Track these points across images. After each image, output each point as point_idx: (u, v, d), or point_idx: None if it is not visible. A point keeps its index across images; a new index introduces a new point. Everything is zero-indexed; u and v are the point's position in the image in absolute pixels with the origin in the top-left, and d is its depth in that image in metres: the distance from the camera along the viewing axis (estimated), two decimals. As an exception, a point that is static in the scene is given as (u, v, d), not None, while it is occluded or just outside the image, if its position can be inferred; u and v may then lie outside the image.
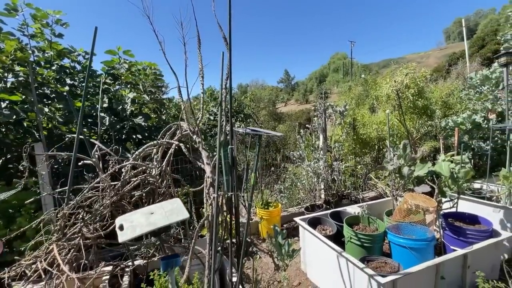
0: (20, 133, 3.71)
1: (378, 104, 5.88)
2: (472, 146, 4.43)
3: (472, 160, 4.33)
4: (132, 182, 2.08)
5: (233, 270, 2.14)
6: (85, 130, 4.38)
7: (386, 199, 3.83)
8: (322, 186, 4.77)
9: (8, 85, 3.62)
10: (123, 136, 4.53)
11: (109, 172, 2.03)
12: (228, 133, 2.05)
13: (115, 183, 2.10)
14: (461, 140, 4.42)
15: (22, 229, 2.19)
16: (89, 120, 4.52)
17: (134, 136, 4.57)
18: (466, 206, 3.34)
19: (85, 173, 2.32)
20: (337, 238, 2.99)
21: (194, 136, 2.18)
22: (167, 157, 2.35)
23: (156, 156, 2.26)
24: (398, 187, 2.98)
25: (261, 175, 5.17)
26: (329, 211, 3.41)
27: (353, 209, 3.46)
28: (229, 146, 1.95)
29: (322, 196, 4.81)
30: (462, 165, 2.88)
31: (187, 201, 2.61)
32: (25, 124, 3.71)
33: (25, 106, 3.64)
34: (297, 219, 3.20)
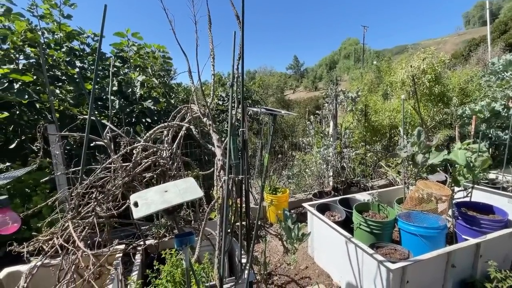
0: (33, 114, 3.76)
1: (392, 91, 5.69)
2: (490, 135, 4.27)
3: (489, 150, 4.19)
4: (143, 163, 2.09)
5: (242, 252, 2.16)
6: (96, 113, 4.41)
7: (396, 187, 3.78)
8: (331, 173, 4.73)
9: (20, 66, 3.64)
10: (133, 119, 4.55)
11: (120, 153, 2.04)
12: (239, 117, 2.02)
13: (127, 164, 2.11)
14: (478, 129, 4.26)
15: (38, 206, 2.25)
16: (99, 103, 4.55)
17: (144, 120, 4.58)
18: (480, 196, 3.26)
19: (97, 154, 2.34)
20: (346, 225, 2.98)
21: (205, 119, 2.15)
22: (177, 140, 2.34)
23: (166, 139, 2.26)
24: (411, 175, 2.92)
25: (269, 161, 5.16)
26: (338, 198, 3.39)
27: (362, 196, 3.43)
28: (241, 129, 1.92)
29: (331, 183, 4.78)
30: (480, 153, 2.78)
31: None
32: (37, 106, 3.75)
33: (37, 88, 3.67)
34: (305, 204, 3.19)
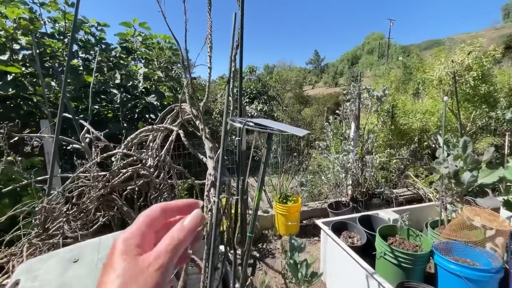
0: (30, 107, 3.56)
1: (424, 90, 5.01)
2: (546, 145, 3.57)
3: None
4: (121, 174, 1.74)
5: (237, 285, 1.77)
6: (97, 107, 4.18)
7: (428, 204, 3.22)
8: (350, 182, 4.21)
9: (20, 56, 3.42)
10: (135, 115, 4.27)
11: (94, 161, 1.70)
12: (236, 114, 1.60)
13: (103, 173, 1.77)
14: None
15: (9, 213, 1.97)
16: (102, 96, 4.31)
17: (147, 116, 4.29)
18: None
19: (75, 158, 2.04)
20: (367, 250, 2.51)
21: (197, 122, 1.76)
22: (167, 145, 1.98)
23: (152, 144, 1.90)
24: (452, 195, 2.37)
25: (282, 163, 4.72)
26: (357, 215, 2.90)
27: (387, 214, 2.91)
28: (236, 138, 1.51)
29: (349, 192, 4.27)
30: (546, 173, 2.19)
31: (192, 197, 2.26)
32: (34, 99, 3.55)
33: (34, 80, 3.45)
34: (319, 222, 2.74)
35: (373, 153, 4.32)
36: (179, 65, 4.82)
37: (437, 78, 4.28)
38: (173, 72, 4.96)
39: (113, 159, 1.80)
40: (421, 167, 3.97)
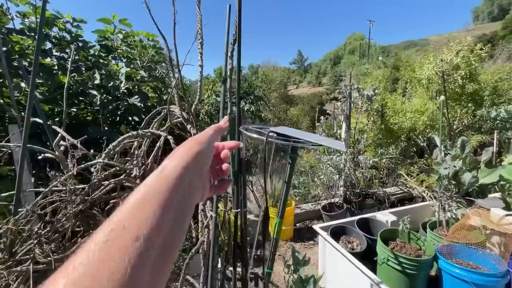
0: (-3, 111, 3.21)
1: (412, 89, 5.06)
2: (530, 142, 3.67)
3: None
4: (103, 186, 1.53)
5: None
6: (75, 109, 3.86)
7: (423, 204, 3.20)
8: (342, 183, 4.16)
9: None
10: (117, 118, 3.99)
11: (70, 172, 1.48)
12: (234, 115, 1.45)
13: (81, 186, 1.55)
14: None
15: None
16: (80, 98, 3.99)
17: (130, 118, 4.02)
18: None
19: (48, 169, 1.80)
20: (367, 255, 2.42)
21: (189, 126, 1.58)
22: (154, 152, 1.78)
23: (139, 151, 1.70)
24: (451, 196, 2.33)
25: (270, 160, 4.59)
26: (355, 218, 2.82)
27: (384, 217, 2.85)
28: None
29: (341, 193, 4.21)
30: (542, 172, 2.19)
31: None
32: (1, 101, 3.20)
33: (0, 81, 3.11)
34: (316, 228, 2.63)
35: (364, 153, 4.29)
36: (163, 64, 4.57)
37: (426, 77, 4.32)
38: (157, 71, 4.70)
39: (92, 169, 1.59)
40: (420, 170, 3.97)
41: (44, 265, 1.43)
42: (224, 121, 0.58)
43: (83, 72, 3.91)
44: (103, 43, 4.11)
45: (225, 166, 0.54)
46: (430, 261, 2.04)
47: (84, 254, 0.29)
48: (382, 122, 4.48)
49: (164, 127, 1.73)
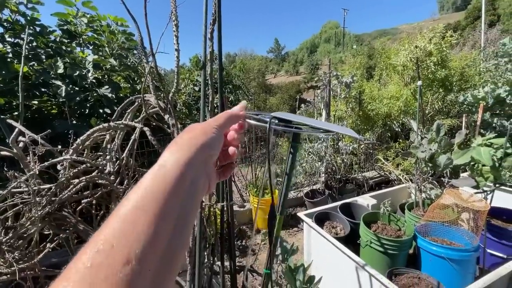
0: None
1: (387, 75, 5.20)
2: (494, 124, 3.95)
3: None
4: (72, 185, 1.39)
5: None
6: (36, 102, 3.52)
7: (400, 187, 3.34)
8: (323, 170, 4.23)
9: None
10: (87, 110, 3.70)
11: (33, 171, 1.32)
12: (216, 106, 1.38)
13: (47, 186, 1.40)
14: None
15: None
16: (43, 89, 3.64)
17: (101, 111, 3.74)
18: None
19: (5, 169, 1.60)
20: (350, 239, 2.49)
21: (166, 116, 1.46)
22: (129, 145, 1.65)
23: (112, 145, 1.55)
24: (427, 178, 2.44)
25: (253, 152, 4.57)
26: (338, 204, 2.87)
27: (365, 200, 2.94)
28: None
29: (323, 179, 4.29)
30: (507, 151, 2.34)
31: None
32: None
33: None
34: (301, 215, 2.65)
35: (344, 139, 4.38)
36: (135, 52, 4.27)
37: (401, 64, 4.45)
38: (129, 60, 4.39)
39: (59, 167, 1.43)
40: (398, 154, 4.12)
41: (8, 276, 1.29)
42: (240, 107, 0.50)
43: (44, 60, 3.54)
44: (65, 27, 3.74)
45: (231, 149, 0.48)
46: (410, 241, 2.14)
47: (62, 284, 0.23)
48: (360, 109, 4.58)
49: (139, 118, 1.59)
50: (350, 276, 2.03)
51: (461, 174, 2.49)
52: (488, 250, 2.25)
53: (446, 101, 4.76)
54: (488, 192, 2.48)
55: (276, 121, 0.50)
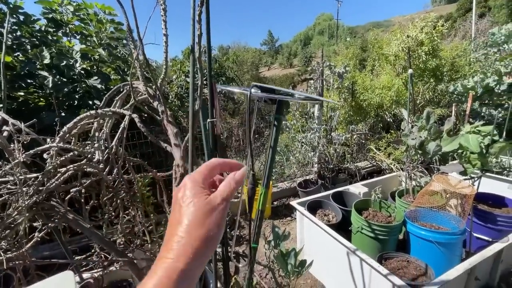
0: None
1: (380, 66, 5.22)
2: (482, 113, 4.02)
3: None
4: (59, 174, 1.36)
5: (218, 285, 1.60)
6: (22, 93, 3.43)
7: (391, 175, 3.39)
8: (316, 160, 4.26)
9: None
10: (75, 102, 3.61)
11: (17, 160, 1.28)
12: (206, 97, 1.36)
13: (33, 175, 1.37)
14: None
15: None
16: (28, 80, 3.53)
17: (91, 102, 3.67)
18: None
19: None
20: (342, 226, 2.53)
21: (156, 104, 1.44)
22: (118, 133, 1.62)
23: (100, 133, 1.53)
24: (416, 165, 2.49)
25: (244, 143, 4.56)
26: (330, 192, 2.91)
27: (357, 189, 2.98)
28: (209, 119, 1.26)
29: (316, 169, 4.33)
30: (494, 138, 2.39)
31: (154, 193, 1.95)
32: None
33: None
34: (294, 203, 2.67)
35: (336, 130, 4.40)
36: (124, 41, 4.17)
37: (393, 53, 4.46)
38: (118, 51, 4.29)
39: (46, 155, 1.40)
40: (389, 143, 4.17)
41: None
42: (240, 175, 0.46)
43: (29, 50, 3.43)
44: (50, 16, 3.62)
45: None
46: (399, 226, 2.18)
47: None
48: (352, 99, 4.60)
49: (127, 106, 1.56)
50: (342, 261, 2.07)
51: (451, 162, 2.55)
52: (474, 234, 2.32)
53: (437, 91, 4.82)
54: (475, 178, 2.54)
55: (259, 91, 0.49)
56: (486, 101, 4.05)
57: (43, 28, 3.66)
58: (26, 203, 1.35)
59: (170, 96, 5.98)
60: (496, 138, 2.60)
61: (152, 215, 1.84)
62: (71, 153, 1.39)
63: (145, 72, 1.91)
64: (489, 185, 2.91)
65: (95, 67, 3.93)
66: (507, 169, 3.01)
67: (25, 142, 1.39)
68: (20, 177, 1.37)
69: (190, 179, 0.42)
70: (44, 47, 3.40)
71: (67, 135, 1.42)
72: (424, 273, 1.81)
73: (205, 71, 1.31)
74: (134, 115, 1.43)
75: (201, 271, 0.39)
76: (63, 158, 1.37)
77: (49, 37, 3.61)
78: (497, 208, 2.44)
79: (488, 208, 2.41)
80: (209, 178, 0.45)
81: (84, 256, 1.76)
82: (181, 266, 0.35)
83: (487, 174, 2.76)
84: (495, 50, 4.04)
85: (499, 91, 3.96)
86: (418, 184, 2.89)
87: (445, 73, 4.71)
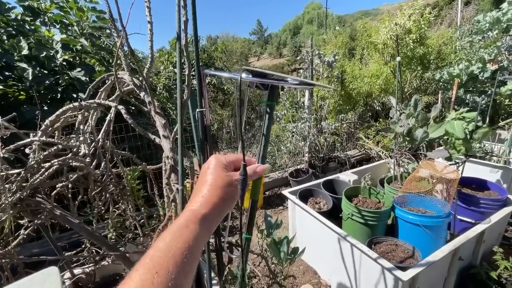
0: None
1: (368, 54, 5.24)
2: (467, 100, 4.12)
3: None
4: (43, 169, 1.32)
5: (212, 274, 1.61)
6: (0, 87, 3.27)
7: (380, 163, 3.46)
8: (307, 149, 4.29)
9: None
10: (58, 95, 3.48)
11: (-2, 156, 1.23)
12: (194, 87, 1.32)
13: (15, 171, 1.32)
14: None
15: None
16: (6, 73, 3.37)
17: (75, 95, 3.54)
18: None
19: None
20: (333, 213, 2.58)
21: (142, 94, 1.40)
22: (105, 126, 1.57)
23: (85, 126, 1.47)
24: (404, 152, 2.54)
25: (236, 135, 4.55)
26: (321, 181, 2.95)
27: (347, 177, 3.03)
28: (198, 110, 1.23)
29: (307, 159, 4.37)
30: (478, 124, 2.46)
31: (144, 186, 1.92)
32: None
33: None
34: (285, 193, 2.70)
35: (326, 119, 4.43)
36: (108, 31, 4.01)
37: (382, 42, 4.48)
38: (102, 41, 4.12)
39: (28, 150, 1.35)
40: (378, 130, 4.23)
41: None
42: (261, 168, 0.59)
43: (5, 41, 3.26)
44: (26, 4, 3.42)
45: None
46: (388, 211, 2.25)
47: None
48: (342, 89, 4.62)
49: (113, 97, 1.51)
50: (333, 247, 2.12)
51: (437, 148, 2.62)
52: (458, 216, 2.41)
53: (424, 78, 4.90)
54: (460, 163, 2.62)
55: (250, 75, 0.48)
56: (471, 88, 4.15)
57: (19, 17, 3.47)
58: (10, 200, 1.31)
59: (158, 88, 5.84)
60: (480, 124, 2.68)
61: (143, 208, 1.82)
62: (55, 147, 1.34)
63: (130, 63, 1.84)
64: (473, 170, 3.02)
65: (78, 58, 3.78)
66: (489, 154, 3.13)
67: (4, 137, 1.33)
68: (1, 173, 1.32)
69: (215, 157, 0.55)
70: (21, 37, 3.24)
71: (49, 129, 1.36)
72: (412, 255, 1.88)
73: (193, 61, 1.27)
74: (120, 107, 1.38)
75: (218, 221, 0.50)
76: (47, 153, 1.32)
77: (27, 26, 3.42)
78: (480, 191, 2.54)
79: (471, 192, 2.51)
80: (232, 163, 0.56)
81: (74, 252, 1.73)
82: (204, 211, 0.46)
83: (471, 159, 2.86)
84: (479, 37, 4.12)
85: (483, 78, 4.06)
86: (406, 170, 2.96)
87: (431, 61, 4.79)
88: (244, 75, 0.48)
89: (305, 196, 2.81)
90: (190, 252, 0.41)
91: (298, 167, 4.33)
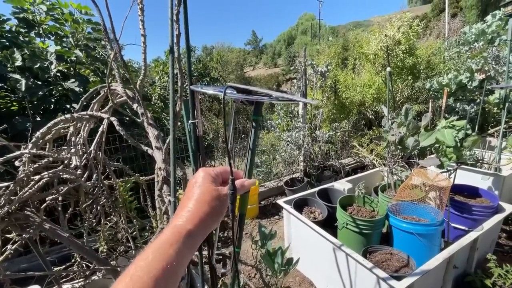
0: None
1: (360, 64, 5.36)
2: (456, 109, 4.22)
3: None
4: (33, 182, 1.30)
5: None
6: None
7: (374, 171, 3.49)
8: (302, 158, 4.31)
9: None
10: (51, 106, 3.46)
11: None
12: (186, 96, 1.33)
13: (4, 184, 1.29)
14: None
15: None
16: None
17: (69, 106, 3.52)
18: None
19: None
20: (328, 222, 2.57)
21: (135, 105, 1.40)
22: (97, 137, 1.56)
23: (77, 138, 1.47)
24: (397, 160, 2.57)
25: (232, 143, 4.55)
26: (315, 189, 2.95)
27: (341, 185, 3.04)
28: (190, 121, 1.24)
29: (302, 167, 4.38)
30: (467, 132, 2.52)
31: (137, 197, 1.90)
32: None
33: None
34: (280, 202, 2.69)
35: (321, 128, 4.47)
36: (103, 42, 4.04)
37: (373, 52, 4.59)
38: (97, 52, 4.14)
39: (18, 163, 1.33)
40: (371, 139, 4.28)
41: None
42: (249, 182, 0.58)
43: (-3, 51, 3.25)
44: (21, 16, 3.45)
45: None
46: (383, 220, 2.25)
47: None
48: (335, 98, 4.69)
49: (106, 108, 1.51)
50: (328, 257, 2.11)
51: (429, 156, 2.66)
52: (452, 224, 2.43)
53: (415, 88, 5.01)
54: (452, 171, 2.66)
55: (234, 92, 0.49)
56: (460, 97, 4.26)
57: (13, 29, 3.48)
58: (-3, 214, 1.28)
59: (153, 98, 5.85)
60: (469, 132, 2.74)
61: (135, 220, 1.79)
62: (46, 160, 1.33)
63: (124, 74, 1.86)
64: (465, 177, 3.06)
65: (72, 69, 3.78)
66: (480, 161, 3.18)
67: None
68: (-11, 186, 1.29)
69: (204, 170, 0.54)
70: (15, 49, 3.24)
71: (40, 141, 1.35)
72: (406, 264, 1.88)
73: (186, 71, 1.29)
74: (113, 118, 1.38)
75: (204, 236, 0.48)
76: (37, 165, 1.30)
77: (21, 38, 3.43)
78: (472, 198, 2.57)
79: (463, 199, 2.53)
80: (221, 176, 0.55)
81: (64, 266, 1.69)
82: (189, 227, 0.45)
83: (462, 166, 2.90)
84: (466, 48, 4.26)
85: (471, 87, 4.17)
86: (399, 178, 2.98)
87: (421, 71, 4.91)
88: (228, 91, 0.49)
89: (300, 205, 2.80)
90: (172, 272, 0.40)
91: (293, 176, 4.33)
